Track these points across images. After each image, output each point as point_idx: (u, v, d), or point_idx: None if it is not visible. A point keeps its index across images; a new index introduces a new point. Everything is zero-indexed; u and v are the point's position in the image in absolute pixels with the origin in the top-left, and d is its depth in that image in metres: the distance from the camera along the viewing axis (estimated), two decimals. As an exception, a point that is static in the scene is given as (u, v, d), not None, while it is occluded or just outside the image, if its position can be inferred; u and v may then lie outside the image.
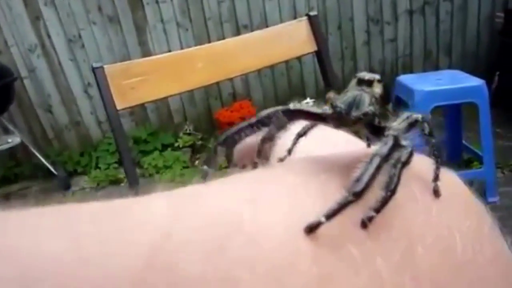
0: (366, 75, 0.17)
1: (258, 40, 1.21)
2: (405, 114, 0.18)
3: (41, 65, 2.74)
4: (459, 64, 3.15)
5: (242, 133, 0.16)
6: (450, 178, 0.22)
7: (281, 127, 0.17)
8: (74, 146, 2.94)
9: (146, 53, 2.80)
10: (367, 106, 0.16)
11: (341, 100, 0.16)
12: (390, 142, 0.16)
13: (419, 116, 0.18)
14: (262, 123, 0.17)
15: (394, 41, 3.15)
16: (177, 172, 2.60)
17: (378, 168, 0.15)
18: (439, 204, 0.19)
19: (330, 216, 0.15)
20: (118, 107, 0.94)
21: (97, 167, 2.80)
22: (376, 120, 0.17)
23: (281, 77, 3.07)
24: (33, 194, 2.65)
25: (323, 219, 0.15)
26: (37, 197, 2.45)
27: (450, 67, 3.11)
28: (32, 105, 2.80)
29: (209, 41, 2.78)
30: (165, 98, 1.10)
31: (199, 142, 2.90)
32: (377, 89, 0.17)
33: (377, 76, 0.17)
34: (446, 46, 3.23)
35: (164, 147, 2.86)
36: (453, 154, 2.33)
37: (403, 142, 0.17)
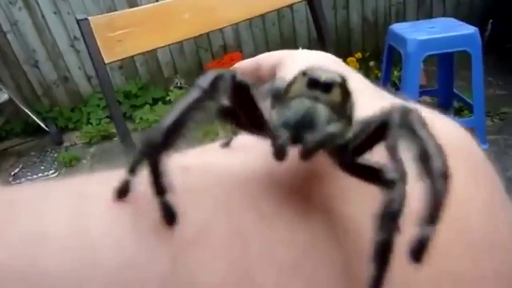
0: (323, 75, 0.11)
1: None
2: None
3: (24, 18, 2.64)
4: (453, 11, 3.10)
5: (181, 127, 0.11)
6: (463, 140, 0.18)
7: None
8: (64, 102, 2.90)
9: (132, 4, 2.71)
10: (323, 128, 0.10)
11: (283, 118, 0.11)
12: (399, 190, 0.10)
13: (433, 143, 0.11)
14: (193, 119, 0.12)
15: (388, -12, 3.07)
16: (169, 126, 2.60)
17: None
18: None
19: None
20: (106, 61, 0.92)
21: (88, 122, 2.78)
22: (339, 142, 0.11)
23: (272, 27, 3.00)
24: (26, 151, 2.65)
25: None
26: (29, 154, 2.45)
27: (444, 15, 3.06)
28: (18, 61, 2.73)
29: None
30: (153, 50, 1.08)
31: (191, 96, 2.87)
32: (336, 97, 0.11)
33: (337, 78, 0.11)
34: (440, -8, 3.15)
35: (155, 101, 2.84)
36: (445, 102, 2.34)
37: (391, 175, 0.11)
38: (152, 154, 0.11)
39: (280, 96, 0.12)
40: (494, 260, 0.14)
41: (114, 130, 2.65)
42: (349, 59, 2.93)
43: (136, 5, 2.69)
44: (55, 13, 2.68)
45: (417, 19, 3.01)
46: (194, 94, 0.11)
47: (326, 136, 0.10)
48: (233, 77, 0.12)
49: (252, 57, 0.32)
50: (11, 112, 2.75)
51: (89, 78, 2.89)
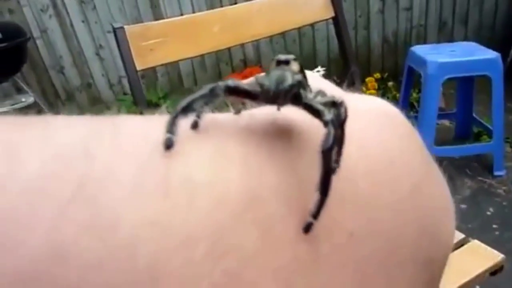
0: (282, 56, 0.18)
1: (272, 5, 1.20)
2: (322, 92, 0.19)
3: (53, 26, 2.74)
4: (474, 36, 3.10)
5: (198, 102, 0.16)
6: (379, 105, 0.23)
7: (206, 101, 0.17)
8: (86, 107, 2.97)
9: (158, 16, 2.78)
10: (290, 80, 0.17)
11: (267, 79, 0.17)
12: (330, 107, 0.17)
13: (340, 99, 0.18)
14: (212, 93, 0.17)
15: (409, 10, 3.09)
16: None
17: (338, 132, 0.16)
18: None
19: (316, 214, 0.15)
20: (138, 68, 0.96)
21: (108, 129, 2.83)
22: (303, 94, 0.17)
23: (293, 44, 3.05)
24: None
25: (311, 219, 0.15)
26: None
27: (465, 38, 3.06)
28: (45, 66, 2.81)
29: (221, 6, 2.75)
30: (183, 60, 1.11)
31: (209, 108, 2.92)
32: (295, 66, 0.18)
33: (291, 56, 0.18)
34: (462, 17, 3.16)
35: (175, 111, 2.88)
36: (463, 127, 2.33)
37: (336, 99, 0.17)
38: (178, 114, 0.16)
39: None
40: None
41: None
42: (368, 79, 2.95)
43: (161, 17, 2.76)
44: (83, 21, 2.77)
45: (438, 41, 3.03)
46: (199, 93, 0.17)
47: (294, 81, 0.17)
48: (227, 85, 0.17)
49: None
50: (35, 115, 2.82)
51: (111, 86, 2.96)
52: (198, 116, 0.16)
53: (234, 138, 0.16)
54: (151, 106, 2.86)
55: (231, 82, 0.17)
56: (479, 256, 0.94)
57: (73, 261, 0.12)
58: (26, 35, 2.44)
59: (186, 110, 0.16)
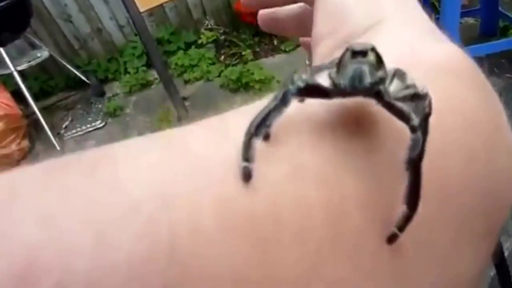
0: (358, 46, 0.15)
1: None
2: (404, 80, 0.16)
3: (52, -28, 2.66)
4: None
5: (271, 116, 0.15)
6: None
7: (280, 112, 0.15)
8: (100, 53, 2.97)
9: None
10: (370, 77, 0.15)
11: (342, 76, 0.15)
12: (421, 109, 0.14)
13: (424, 90, 0.15)
14: (284, 102, 0.15)
15: None
16: (204, 69, 2.63)
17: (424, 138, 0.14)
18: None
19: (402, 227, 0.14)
20: (141, 9, 0.94)
21: (126, 72, 2.85)
22: (384, 91, 0.15)
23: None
24: (72, 104, 2.78)
25: (397, 231, 0.14)
26: (76, 107, 2.56)
27: None
28: (52, 17, 2.78)
29: None
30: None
31: (222, 37, 2.86)
32: (373, 57, 0.15)
33: (368, 45, 0.15)
34: None
35: (188, 45, 2.84)
36: (489, 22, 2.21)
37: (420, 89, 0.15)
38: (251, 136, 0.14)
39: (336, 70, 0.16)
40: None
41: (152, 78, 2.71)
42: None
43: None
44: (81, -36, 2.67)
45: None
46: (271, 104, 0.15)
47: (375, 79, 0.15)
48: (297, 89, 0.15)
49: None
50: (53, 68, 2.86)
51: (121, 28, 2.92)
52: (269, 126, 0.15)
53: (308, 144, 0.15)
54: (163, 43, 2.82)
55: (301, 81, 0.15)
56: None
57: None
58: (27, -12, 2.39)
59: (259, 129, 0.14)
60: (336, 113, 0.16)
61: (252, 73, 2.40)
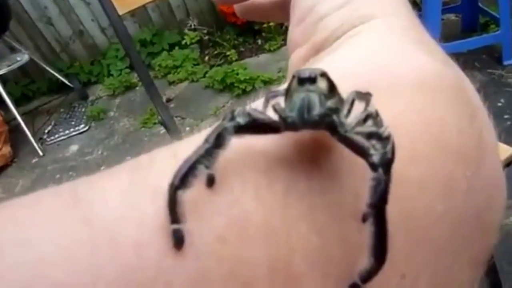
0: (306, 72, 0.13)
1: None
2: (357, 104, 0.15)
3: (30, -26, 2.61)
4: None
5: (198, 166, 0.13)
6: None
7: (214, 157, 0.13)
8: (82, 56, 2.93)
9: None
10: (319, 107, 0.13)
11: (288, 108, 0.13)
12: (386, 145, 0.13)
13: (373, 109, 0.14)
14: (215, 146, 0.13)
15: None
16: (188, 70, 2.61)
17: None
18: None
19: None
20: (120, 12, 0.92)
21: (109, 74, 2.81)
22: (336, 120, 0.13)
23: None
24: (54, 108, 2.73)
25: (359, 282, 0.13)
26: (58, 111, 2.52)
27: None
28: (32, 20, 2.73)
29: None
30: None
31: (206, 37, 2.84)
32: (323, 84, 0.13)
33: (317, 70, 0.13)
34: None
35: (171, 46, 2.82)
36: (470, 18, 2.24)
37: (382, 130, 0.13)
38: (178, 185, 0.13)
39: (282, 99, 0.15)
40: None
41: (135, 80, 2.68)
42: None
43: None
44: (60, -35, 2.62)
45: None
46: (202, 148, 0.13)
47: (326, 109, 0.13)
48: (235, 127, 0.13)
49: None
50: (34, 72, 2.81)
51: (103, 30, 2.88)
52: (209, 167, 0.13)
53: (253, 190, 0.13)
54: (147, 44, 2.79)
55: (242, 116, 0.13)
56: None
57: None
58: (5, -10, 2.34)
59: (185, 179, 0.12)
60: (288, 148, 0.14)
61: (237, 73, 2.39)
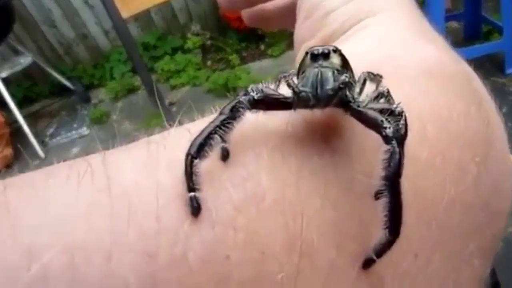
0: (319, 48, 0.13)
1: None
2: (368, 85, 0.15)
3: (35, -23, 2.62)
4: None
5: (214, 136, 0.13)
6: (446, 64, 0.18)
7: (229, 128, 0.13)
8: (85, 59, 2.93)
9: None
10: (333, 81, 0.13)
11: (301, 83, 0.13)
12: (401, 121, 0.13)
13: (384, 88, 0.14)
14: (230, 118, 0.13)
15: None
16: (190, 74, 2.61)
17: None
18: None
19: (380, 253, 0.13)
20: (124, 16, 0.93)
21: (112, 77, 2.82)
22: (349, 95, 0.13)
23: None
24: (57, 111, 2.74)
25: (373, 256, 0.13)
26: (61, 113, 2.52)
27: None
28: (36, 22, 2.74)
29: None
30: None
31: (209, 42, 2.84)
32: (336, 60, 0.13)
33: (330, 47, 0.14)
34: None
35: (174, 50, 2.82)
36: (472, 26, 2.24)
37: (394, 107, 0.13)
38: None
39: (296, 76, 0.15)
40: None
41: (138, 83, 2.68)
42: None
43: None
44: (64, -31, 2.64)
45: None
46: (217, 119, 0.14)
47: (339, 83, 0.13)
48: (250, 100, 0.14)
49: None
50: (37, 74, 2.81)
51: (106, 33, 2.89)
52: (224, 140, 0.13)
53: (268, 166, 0.13)
54: (149, 48, 2.80)
55: (256, 92, 0.13)
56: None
57: None
58: (10, -7, 2.35)
59: (201, 149, 0.13)
60: (300, 126, 0.14)
61: (240, 78, 2.39)
